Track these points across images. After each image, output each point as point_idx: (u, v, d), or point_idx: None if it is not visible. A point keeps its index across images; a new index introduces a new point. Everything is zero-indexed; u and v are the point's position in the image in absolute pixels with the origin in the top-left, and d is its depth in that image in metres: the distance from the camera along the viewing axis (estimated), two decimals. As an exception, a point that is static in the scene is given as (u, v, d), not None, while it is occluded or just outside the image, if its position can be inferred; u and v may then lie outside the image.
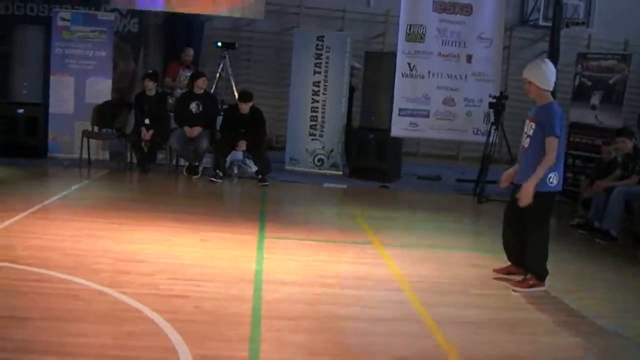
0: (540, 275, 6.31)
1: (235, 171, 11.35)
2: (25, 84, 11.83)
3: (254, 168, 11.27)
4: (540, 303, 6.06)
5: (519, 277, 6.46)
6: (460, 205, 10.74)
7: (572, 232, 9.07)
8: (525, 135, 6.33)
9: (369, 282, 6.26)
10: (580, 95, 11.75)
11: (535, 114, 6.29)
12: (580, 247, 8.54)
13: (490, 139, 11.21)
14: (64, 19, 12.01)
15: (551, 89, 6.31)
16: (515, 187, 6.44)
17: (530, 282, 6.29)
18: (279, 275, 6.22)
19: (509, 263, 6.64)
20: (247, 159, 11.52)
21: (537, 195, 6.14)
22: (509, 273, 6.60)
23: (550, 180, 6.17)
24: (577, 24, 14.48)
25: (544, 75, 6.26)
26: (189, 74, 12.15)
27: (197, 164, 11.24)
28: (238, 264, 6.49)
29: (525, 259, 6.40)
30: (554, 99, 6.41)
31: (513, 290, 6.26)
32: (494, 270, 6.67)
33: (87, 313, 4.97)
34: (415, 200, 11.08)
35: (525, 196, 6.09)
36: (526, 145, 6.30)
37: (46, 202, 8.46)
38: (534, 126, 6.22)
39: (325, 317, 5.35)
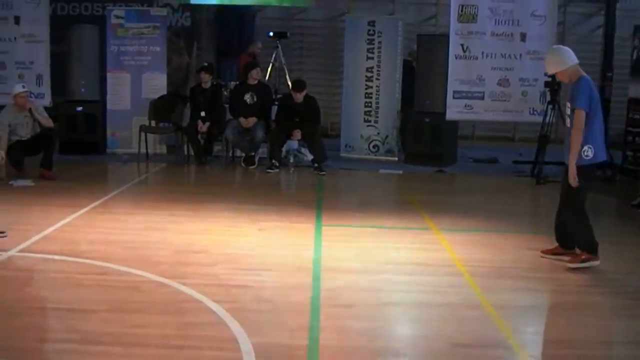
0: (591, 248, 6.22)
1: (291, 160, 11.42)
2: (83, 82, 12.07)
3: (310, 157, 11.31)
4: (600, 285, 5.96)
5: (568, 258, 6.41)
6: (518, 188, 10.60)
7: (632, 211, 8.87)
8: (567, 116, 6.35)
9: (427, 268, 6.24)
10: (638, 69, 11.45)
11: (569, 93, 6.32)
12: (642, 226, 8.38)
13: (547, 118, 11.02)
14: (117, 17, 12.22)
15: (574, 62, 6.25)
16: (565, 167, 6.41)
17: (583, 257, 6.21)
18: (337, 263, 6.24)
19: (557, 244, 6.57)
20: (302, 148, 11.58)
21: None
22: (554, 254, 6.51)
23: (585, 153, 6.12)
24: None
25: (560, 58, 6.28)
26: None
27: (253, 154, 11.33)
28: (296, 253, 6.54)
29: (573, 236, 6.37)
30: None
31: (568, 268, 6.18)
32: (542, 252, 6.60)
33: (149, 304, 5.08)
34: (472, 183, 10.97)
35: (572, 175, 6.11)
36: (569, 125, 6.29)
37: (107, 197, 8.65)
38: (569, 105, 6.24)
39: (384, 304, 5.36)
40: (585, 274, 6.19)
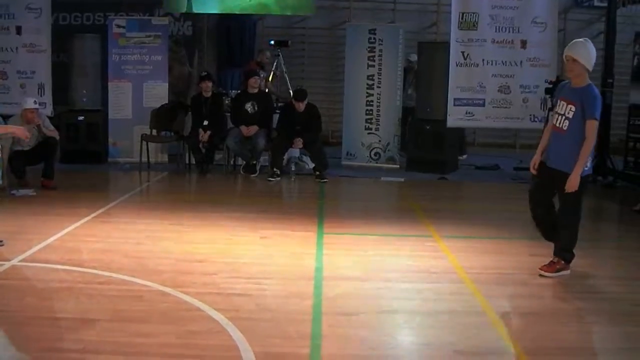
0: (568, 259, 6.22)
1: (293, 168, 11.43)
2: (85, 91, 12.10)
3: (311, 165, 11.32)
4: (603, 292, 5.97)
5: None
6: (520, 194, 10.51)
7: (635, 217, 8.85)
8: (562, 118, 6.06)
9: (429, 275, 6.23)
10: (639, 75, 11.45)
11: (573, 96, 6.01)
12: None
13: (548, 125, 11.00)
14: (119, 26, 12.22)
15: (591, 69, 6.08)
16: (545, 168, 6.30)
17: (558, 266, 6.20)
18: (339, 271, 6.24)
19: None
20: (304, 156, 11.59)
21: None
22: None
23: (587, 162, 6.07)
24: (634, 2, 14.10)
25: (590, 55, 5.99)
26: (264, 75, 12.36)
27: (254, 162, 11.33)
28: (298, 261, 6.53)
29: (556, 242, 6.32)
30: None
31: (540, 275, 6.17)
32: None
33: (151, 313, 5.07)
34: (473, 190, 10.98)
35: (574, 185, 5.94)
36: (565, 128, 6.03)
37: (108, 206, 8.64)
38: (573, 109, 5.96)
39: (386, 312, 5.36)
40: (588, 280, 6.21)
